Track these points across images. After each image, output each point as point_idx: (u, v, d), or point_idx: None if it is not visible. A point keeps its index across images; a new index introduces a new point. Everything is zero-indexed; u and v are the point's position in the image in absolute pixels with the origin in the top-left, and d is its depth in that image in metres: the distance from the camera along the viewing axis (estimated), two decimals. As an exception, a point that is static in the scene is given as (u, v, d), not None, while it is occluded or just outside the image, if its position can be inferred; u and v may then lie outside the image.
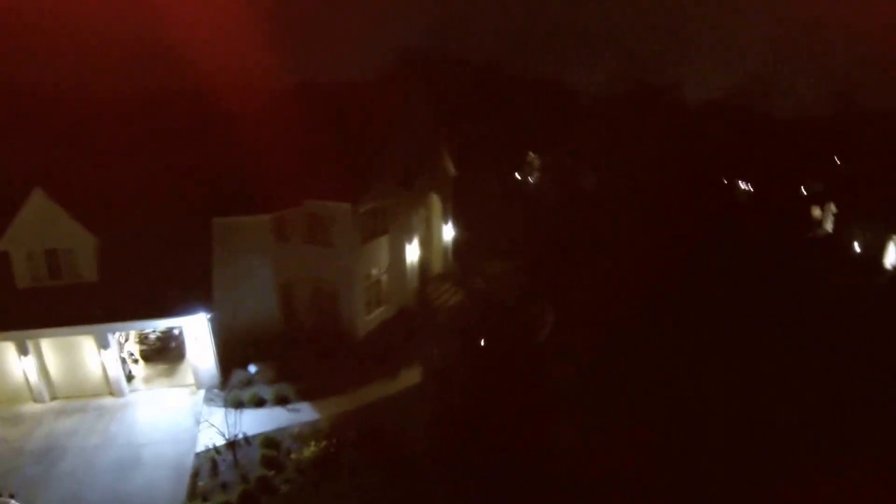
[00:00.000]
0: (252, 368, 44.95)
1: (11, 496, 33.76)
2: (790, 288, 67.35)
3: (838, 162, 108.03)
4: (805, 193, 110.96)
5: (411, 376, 46.91)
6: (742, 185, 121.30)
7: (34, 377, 42.91)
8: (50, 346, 43.31)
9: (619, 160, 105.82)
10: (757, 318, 58.89)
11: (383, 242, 53.51)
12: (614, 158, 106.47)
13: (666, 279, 65.75)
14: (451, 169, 63.60)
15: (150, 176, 46.44)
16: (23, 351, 42.14)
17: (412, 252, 56.61)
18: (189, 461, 37.14)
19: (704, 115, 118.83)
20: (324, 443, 36.72)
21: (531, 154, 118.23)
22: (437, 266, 62.95)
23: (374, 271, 52.76)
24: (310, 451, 36.40)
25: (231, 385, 44.16)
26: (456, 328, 51.92)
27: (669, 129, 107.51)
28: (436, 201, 61.86)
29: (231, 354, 45.63)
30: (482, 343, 48.26)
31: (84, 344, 43.46)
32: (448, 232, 64.15)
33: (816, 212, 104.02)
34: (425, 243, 60.12)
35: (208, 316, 42.78)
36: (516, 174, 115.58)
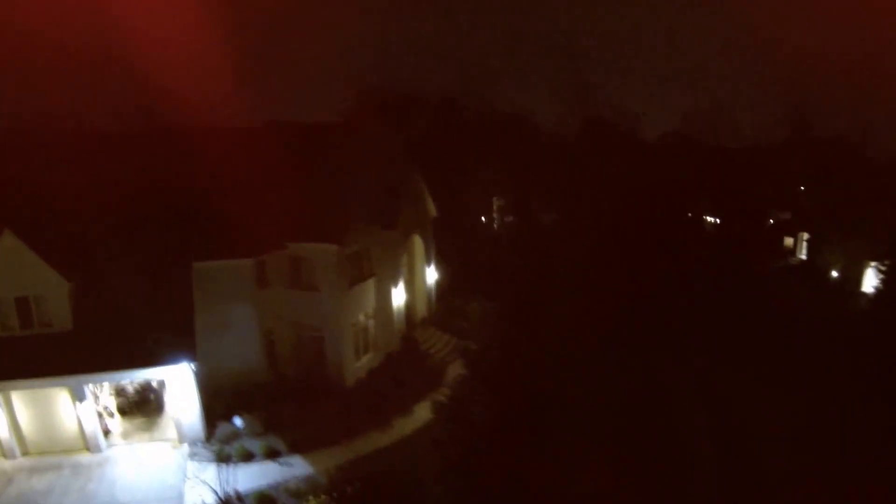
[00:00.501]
0: (238, 421, 41.55)
1: None
2: (770, 316, 67.60)
3: (801, 189, 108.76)
4: (772, 223, 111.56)
5: (405, 426, 44.91)
6: (708, 219, 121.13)
7: (4, 432, 39.99)
8: (21, 399, 40.43)
9: (581, 197, 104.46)
10: (738, 348, 58.76)
11: (370, 286, 51.76)
12: (576, 196, 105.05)
13: (641, 315, 64.60)
14: (432, 209, 61.96)
15: (124, 218, 43.54)
16: None
17: (398, 295, 54.94)
18: (178, 522, 33.80)
19: (662, 147, 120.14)
20: (323, 497, 34.01)
21: (495, 198, 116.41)
22: (421, 309, 61.00)
23: (361, 316, 50.89)
24: (310, 507, 33.11)
25: (216, 438, 41.61)
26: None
27: (629, 163, 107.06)
28: (418, 242, 60.02)
29: (214, 406, 43.07)
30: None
31: (58, 396, 40.66)
32: (430, 273, 62.15)
33: (788, 240, 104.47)
34: (409, 285, 58.28)
35: (192, 366, 40.53)
36: (482, 217, 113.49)
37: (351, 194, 49.10)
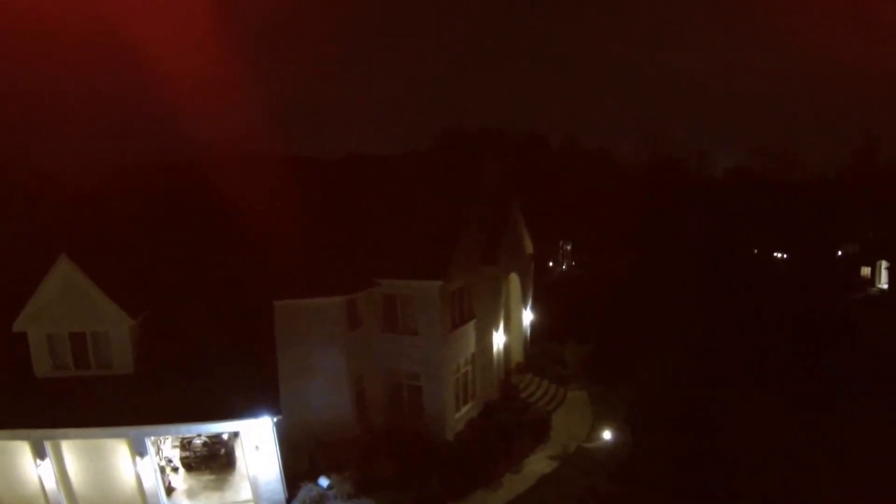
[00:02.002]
0: (324, 481, 35.36)
1: None
2: (856, 348, 61.17)
3: (870, 217, 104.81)
4: (841, 254, 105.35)
5: (516, 484, 38.22)
6: (777, 254, 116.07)
7: (52, 485, 33.46)
8: (72, 449, 33.99)
9: (654, 238, 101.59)
10: (828, 383, 52.18)
11: (470, 328, 45.13)
12: (650, 236, 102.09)
13: (724, 355, 60.11)
14: (529, 245, 55.62)
15: (198, 248, 39.64)
16: (39, 454, 32.93)
17: (498, 338, 48.43)
18: None
19: (728, 183, 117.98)
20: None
21: (562, 241, 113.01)
22: (517, 352, 53.99)
23: (462, 362, 44.29)
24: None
25: (299, 500, 34.69)
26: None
27: (697, 201, 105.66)
28: (515, 281, 53.03)
29: (296, 463, 36.15)
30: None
31: (114, 448, 34.21)
32: (527, 315, 55.48)
33: (865, 270, 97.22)
34: (506, 327, 50.98)
35: (273, 419, 33.48)
36: (550, 262, 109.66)
37: (449, 227, 42.79)
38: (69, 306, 33.57)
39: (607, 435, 42.55)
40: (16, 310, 33.40)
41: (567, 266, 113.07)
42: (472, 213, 45.30)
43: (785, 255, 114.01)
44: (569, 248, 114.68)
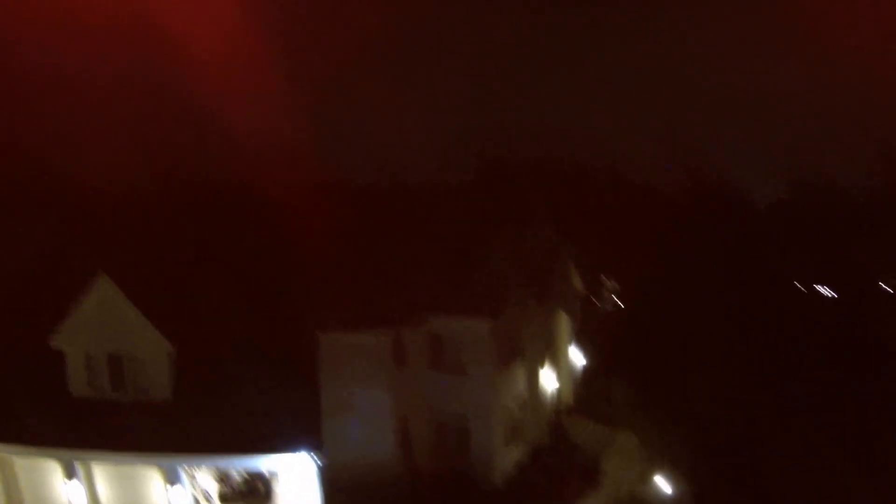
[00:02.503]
0: None
1: None
2: None
3: None
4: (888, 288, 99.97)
5: None
6: (822, 290, 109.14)
7: None
8: (103, 473, 32.97)
9: (697, 275, 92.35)
10: None
11: (520, 368, 43.43)
12: (692, 272, 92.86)
13: (783, 400, 55.62)
14: (579, 283, 54.40)
15: (243, 277, 37.69)
16: (69, 473, 32.09)
17: (548, 378, 46.64)
18: None
19: (770, 215, 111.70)
20: None
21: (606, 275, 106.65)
22: (566, 393, 52.26)
23: (511, 402, 42.46)
24: None
25: None
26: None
27: (740, 234, 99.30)
28: (565, 318, 51.23)
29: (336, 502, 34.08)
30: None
31: (146, 475, 33.11)
32: (575, 354, 54.15)
33: None
34: (555, 366, 49.47)
35: (314, 456, 32.16)
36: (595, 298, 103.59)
37: (501, 264, 41.43)
38: (108, 327, 33.29)
39: (659, 481, 40.72)
40: (51, 322, 33.43)
41: (612, 301, 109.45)
42: (524, 250, 44.07)
43: (828, 289, 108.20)
44: (613, 282, 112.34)
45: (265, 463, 33.51)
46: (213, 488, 36.80)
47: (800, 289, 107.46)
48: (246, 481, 37.04)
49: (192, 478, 34.83)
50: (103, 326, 33.34)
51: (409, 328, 38.95)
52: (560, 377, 50.51)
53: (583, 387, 55.99)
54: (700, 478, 41.95)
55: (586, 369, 57.94)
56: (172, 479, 32.17)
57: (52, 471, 33.10)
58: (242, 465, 34.69)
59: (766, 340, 73.14)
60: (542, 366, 45.61)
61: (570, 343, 53.11)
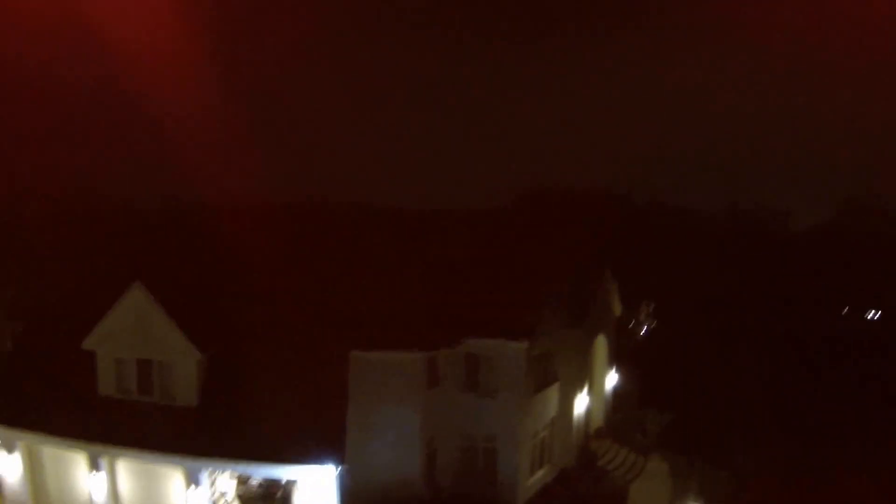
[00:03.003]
0: None
1: None
2: None
3: None
4: None
5: None
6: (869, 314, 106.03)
7: (101, 499, 33.21)
8: (126, 469, 33.45)
9: (733, 298, 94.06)
10: None
11: (553, 392, 42.38)
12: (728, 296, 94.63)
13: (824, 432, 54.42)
14: (618, 307, 52.78)
15: (275, 292, 37.78)
16: (94, 466, 32.81)
17: (580, 403, 45.30)
18: None
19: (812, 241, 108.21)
20: None
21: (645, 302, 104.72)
22: (597, 417, 50.77)
23: (541, 426, 41.43)
24: None
25: None
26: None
27: (779, 261, 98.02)
28: (602, 342, 49.81)
29: None
30: None
31: (168, 474, 33.40)
32: (611, 379, 52.57)
33: None
34: (589, 391, 47.92)
35: (336, 469, 31.46)
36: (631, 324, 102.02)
37: (538, 288, 40.50)
38: (139, 333, 33.19)
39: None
40: (89, 324, 33.35)
41: (650, 327, 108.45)
42: (563, 274, 43.11)
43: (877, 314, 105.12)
44: (651, 308, 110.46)
45: (286, 472, 33.22)
46: (232, 491, 36.70)
47: (845, 315, 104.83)
48: (264, 487, 36.86)
49: (213, 480, 34.76)
50: (134, 332, 33.34)
51: (443, 348, 38.31)
52: (593, 402, 49.30)
53: (616, 413, 54.66)
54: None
55: (620, 395, 56.63)
56: (193, 479, 32.29)
57: (77, 463, 33.62)
58: (263, 472, 34.48)
59: (808, 372, 70.92)
60: (575, 391, 44.53)
61: (605, 368, 51.91)
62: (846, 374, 70.53)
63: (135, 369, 33.61)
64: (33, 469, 34.45)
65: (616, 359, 54.08)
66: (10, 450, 33.99)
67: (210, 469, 32.96)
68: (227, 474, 36.44)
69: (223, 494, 36.07)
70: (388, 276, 40.38)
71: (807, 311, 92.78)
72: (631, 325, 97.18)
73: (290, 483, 35.34)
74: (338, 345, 35.29)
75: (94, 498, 33.41)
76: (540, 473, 41.62)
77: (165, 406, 33.47)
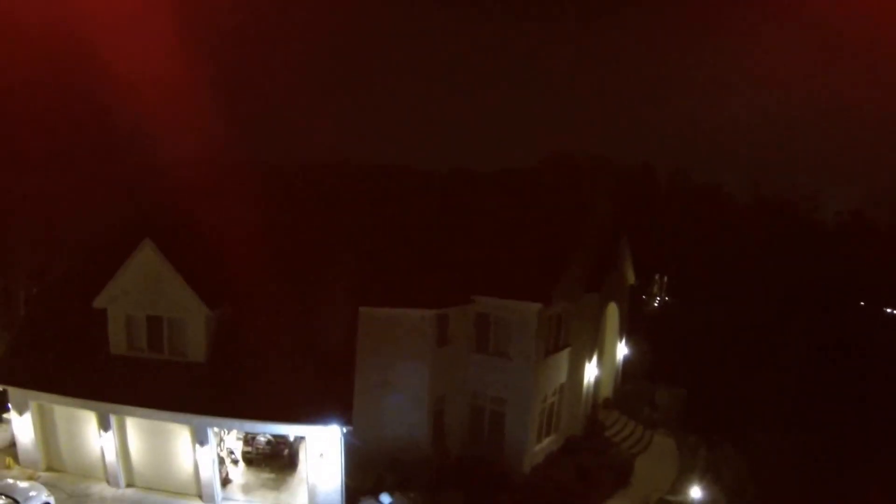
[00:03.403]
0: (385, 499, 32.37)
1: None
2: None
3: None
4: None
5: None
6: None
7: (112, 457, 32.71)
8: (136, 427, 32.86)
9: (751, 279, 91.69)
10: None
11: (563, 357, 41.20)
12: (747, 277, 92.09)
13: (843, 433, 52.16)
14: (631, 276, 51.34)
15: (287, 247, 37.35)
16: (104, 425, 32.25)
17: (590, 370, 44.26)
18: None
19: (839, 230, 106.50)
20: None
21: (659, 275, 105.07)
22: (606, 387, 49.62)
23: (551, 392, 40.36)
24: None
25: None
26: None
27: (802, 245, 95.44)
28: (613, 311, 48.76)
29: (359, 476, 33.20)
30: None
31: (176, 432, 32.50)
32: (621, 349, 51.40)
33: None
34: (599, 359, 46.85)
35: (343, 429, 30.62)
36: (644, 295, 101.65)
37: (555, 249, 39.48)
38: (149, 290, 32.33)
39: (695, 493, 37.57)
40: (100, 285, 32.35)
41: (662, 300, 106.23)
42: (581, 237, 41.88)
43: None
44: (665, 280, 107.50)
45: (292, 431, 32.67)
46: (240, 449, 36.30)
47: (863, 306, 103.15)
48: (271, 445, 36.39)
49: (221, 439, 34.37)
50: (145, 290, 32.56)
51: (454, 306, 37.56)
52: (603, 372, 48.35)
53: (625, 384, 53.65)
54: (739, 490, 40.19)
55: (630, 367, 55.58)
56: (201, 438, 31.58)
57: (87, 421, 33.11)
58: (270, 431, 33.81)
59: (822, 358, 69.24)
60: (585, 358, 43.46)
61: (616, 338, 50.83)
62: (861, 362, 69.49)
63: (145, 326, 32.94)
64: (45, 428, 34.10)
65: (627, 329, 53.05)
66: (22, 410, 33.65)
67: (218, 427, 32.61)
68: (234, 432, 36.26)
69: (231, 452, 35.78)
70: (400, 233, 39.60)
71: (824, 298, 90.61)
72: (644, 297, 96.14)
73: (297, 441, 35.04)
74: (347, 302, 34.62)
75: (105, 457, 33.04)
76: (547, 440, 40.85)
77: (175, 363, 32.73)
